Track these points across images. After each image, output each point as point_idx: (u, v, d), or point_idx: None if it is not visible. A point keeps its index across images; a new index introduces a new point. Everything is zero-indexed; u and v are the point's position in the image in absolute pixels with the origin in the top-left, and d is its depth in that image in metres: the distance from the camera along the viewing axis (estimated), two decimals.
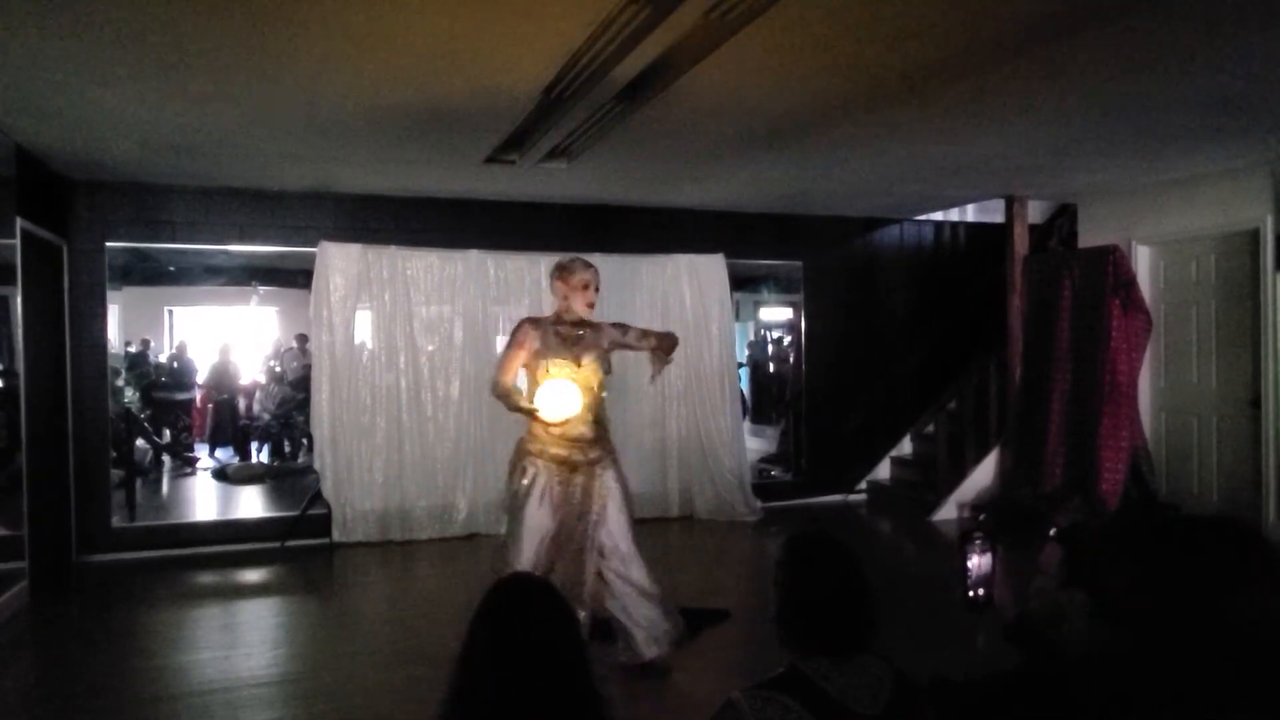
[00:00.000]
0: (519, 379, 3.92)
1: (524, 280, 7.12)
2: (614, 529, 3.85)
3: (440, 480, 6.84)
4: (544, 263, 7.10)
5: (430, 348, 6.90)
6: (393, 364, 6.77)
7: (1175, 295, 6.80)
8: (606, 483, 3.87)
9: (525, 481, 3.80)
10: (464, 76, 4.03)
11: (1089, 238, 7.28)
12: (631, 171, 6.11)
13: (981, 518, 7.08)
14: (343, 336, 6.64)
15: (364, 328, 6.82)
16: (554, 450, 3.82)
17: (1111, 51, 3.82)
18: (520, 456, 3.87)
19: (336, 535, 6.56)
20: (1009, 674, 1.85)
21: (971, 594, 1.96)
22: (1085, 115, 4.84)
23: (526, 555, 3.71)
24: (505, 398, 3.80)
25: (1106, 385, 6.50)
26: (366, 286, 6.72)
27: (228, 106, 4.46)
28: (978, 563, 1.95)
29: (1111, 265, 6.57)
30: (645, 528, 7.06)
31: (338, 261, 6.62)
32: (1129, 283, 6.58)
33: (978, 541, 1.94)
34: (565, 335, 3.87)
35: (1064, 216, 8.03)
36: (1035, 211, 7.79)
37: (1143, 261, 6.90)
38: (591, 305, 3.90)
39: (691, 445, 7.45)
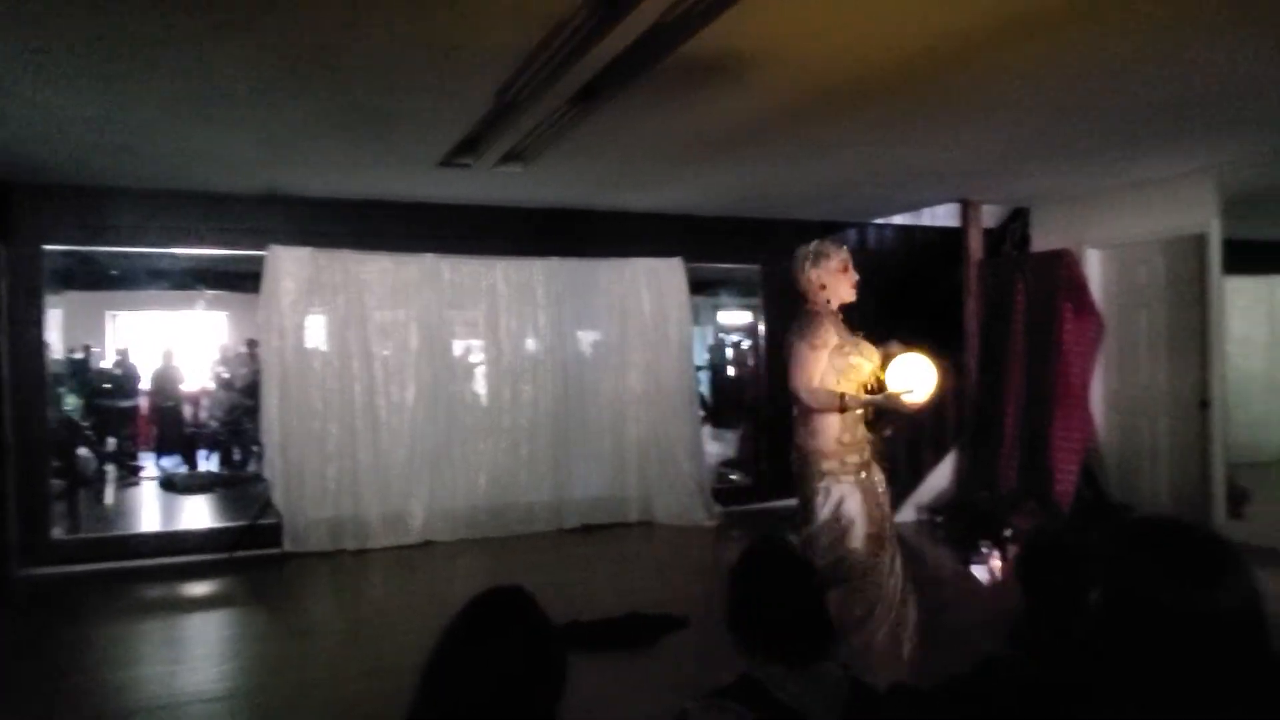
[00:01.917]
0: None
1: (480, 284, 7.04)
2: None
3: (395, 488, 6.72)
4: (500, 267, 7.05)
5: (385, 353, 6.78)
6: (346, 369, 6.64)
7: (1125, 298, 6.92)
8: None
9: (835, 508, 3.25)
10: (416, 79, 3.96)
11: (1042, 242, 7.38)
12: (588, 175, 6.06)
13: (939, 520, 7.14)
14: (294, 341, 6.50)
15: (316, 332, 6.69)
16: (851, 458, 3.30)
17: (1060, 60, 3.87)
18: (816, 479, 3.28)
19: (288, 545, 6.41)
20: (966, 677, 1.84)
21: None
22: (1036, 121, 4.89)
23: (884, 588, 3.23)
24: (833, 401, 3.24)
25: (1060, 388, 6.59)
26: (318, 290, 6.58)
27: (174, 109, 4.34)
28: (984, 572, 1.94)
29: (1063, 269, 6.67)
30: (604, 533, 7.09)
31: (288, 265, 6.47)
32: (1080, 286, 6.68)
33: (984, 551, 1.93)
34: (842, 325, 3.38)
35: (1018, 221, 8.14)
36: (990, 216, 7.88)
37: (1094, 265, 7.01)
38: (856, 285, 3.42)
39: (650, 450, 7.41)
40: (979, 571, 1.72)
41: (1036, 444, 6.70)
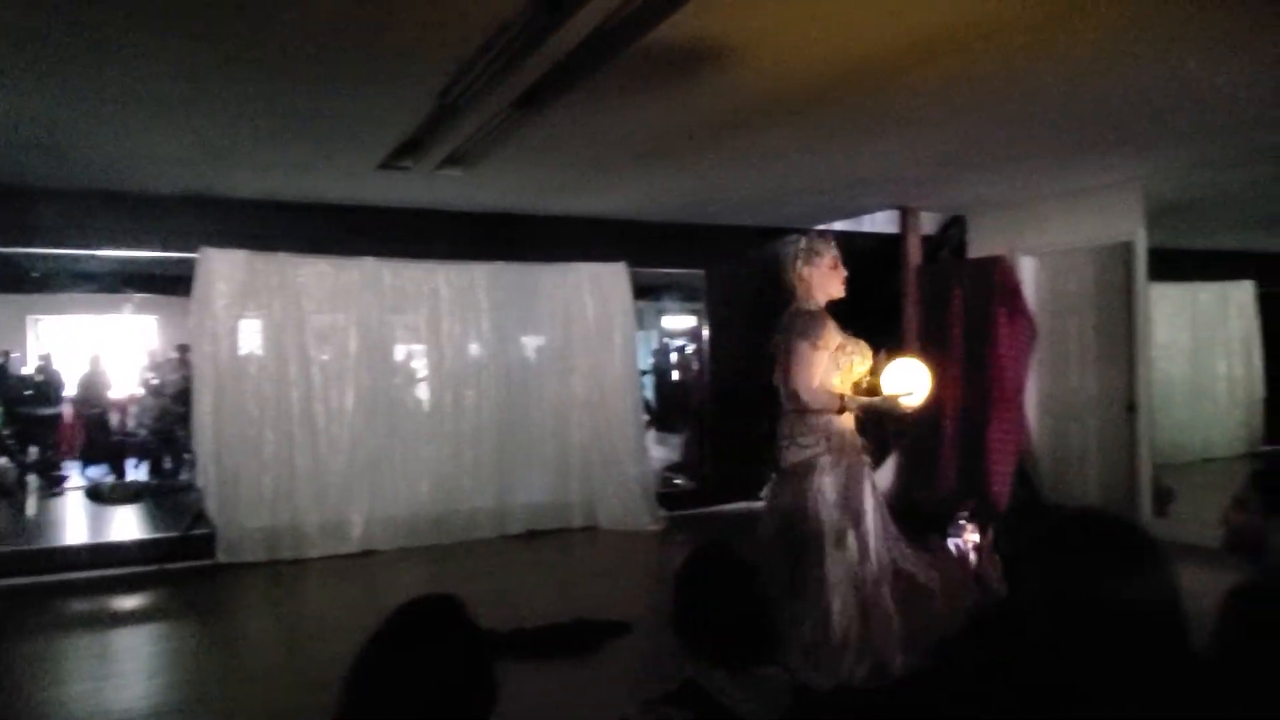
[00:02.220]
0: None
1: (421, 289, 6.94)
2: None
3: (333, 495, 6.58)
4: (442, 271, 6.96)
5: (323, 358, 6.64)
6: (282, 375, 6.48)
7: (1057, 304, 7.12)
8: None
9: (813, 487, 3.26)
10: (355, 81, 3.89)
11: (978, 249, 7.56)
12: (531, 179, 6.02)
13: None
14: (227, 346, 6.33)
15: (251, 337, 6.51)
16: (853, 440, 3.35)
17: (995, 72, 3.96)
18: (804, 469, 3.30)
19: (221, 556, 6.22)
20: (906, 680, 1.86)
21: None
22: (972, 131, 5.01)
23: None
24: (833, 402, 3.27)
25: (995, 391, 6.75)
26: (253, 294, 6.41)
27: (100, 107, 4.19)
28: (959, 546, 1.92)
29: (998, 275, 6.83)
30: (548, 539, 7.04)
31: (222, 268, 6.30)
32: (1015, 292, 6.86)
33: (962, 524, 1.92)
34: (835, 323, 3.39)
35: (955, 228, 8.32)
36: (928, 223, 8.04)
37: (1028, 272, 7.20)
38: (845, 282, 3.46)
39: (595, 454, 7.39)
40: (953, 544, 1.73)
41: (974, 446, 6.85)
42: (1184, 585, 1.27)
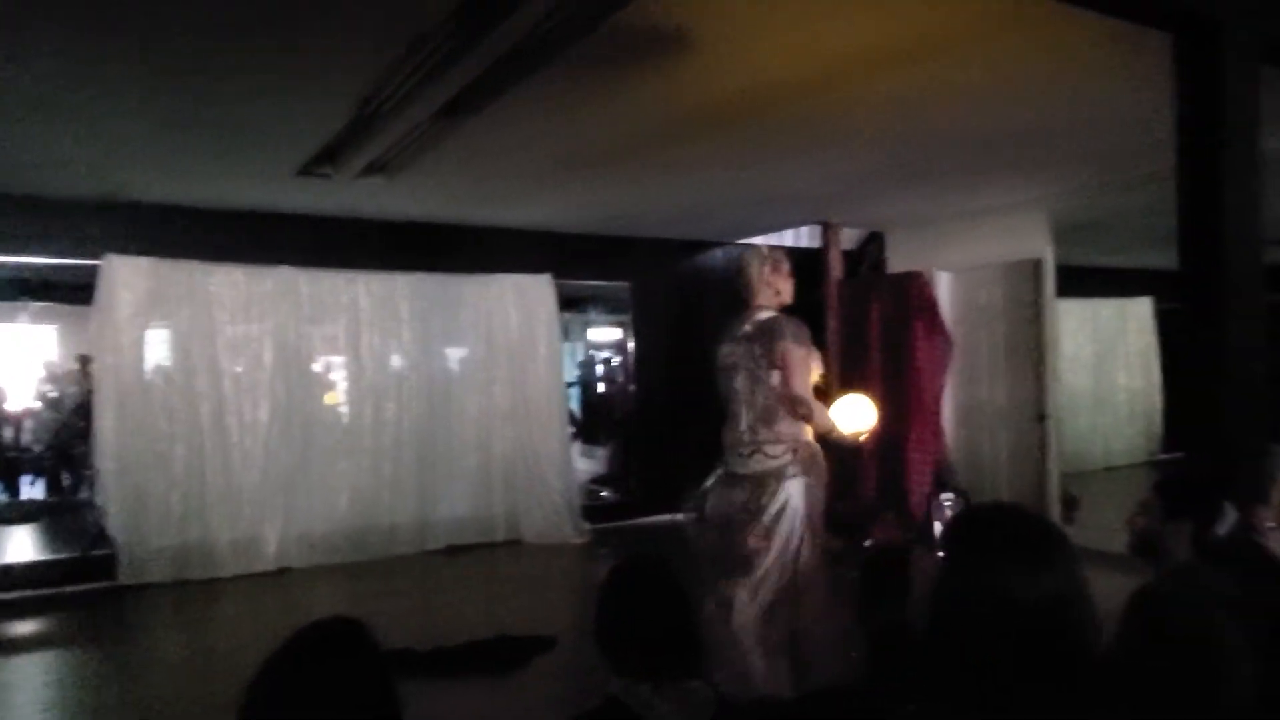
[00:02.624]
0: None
1: (340, 299, 6.77)
2: None
3: (246, 512, 6.34)
4: (361, 281, 6.81)
5: (236, 369, 6.41)
6: (192, 387, 6.23)
7: (971, 319, 7.36)
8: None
9: (784, 502, 3.29)
10: (274, 87, 3.79)
11: (896, 264, 7.77)
12: (455, 189, 5.95)
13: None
14: (132, 358, 6.05)
15: (158, 348, 6.24)
16: (819, 454, 3.45)
17: (911, 94, 4.09)
18: (779, 477, 3.31)
19: (124, 577, 5.93)
20: (829, 691, 1.87)
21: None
22: (890, 150, 5.15)
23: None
24: (825, 418, 3.37)
25: (913, 403, 6.92)
26: (161, 304, 6.16)
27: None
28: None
29: (915, 290, 7.03)
30: (471, 553, 6.93)
31: (127, 276, 6.03)
32: (931, 307, 7.06)
33: (946, 504, 1.94)
34: None
35: (874, 243, 8.53)
36: (848, 238, 8.23)
37: (943, 287, 7.43)
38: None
39: (519, 467, 7.31)
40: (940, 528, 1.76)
41: (893, 456, 7.01)
42: (1090, 588, 1.30)
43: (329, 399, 6.85)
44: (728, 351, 3.47)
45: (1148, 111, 4.16)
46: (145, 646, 5.17)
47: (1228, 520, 2.27)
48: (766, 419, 3.32)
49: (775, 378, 3.32)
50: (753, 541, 3.25)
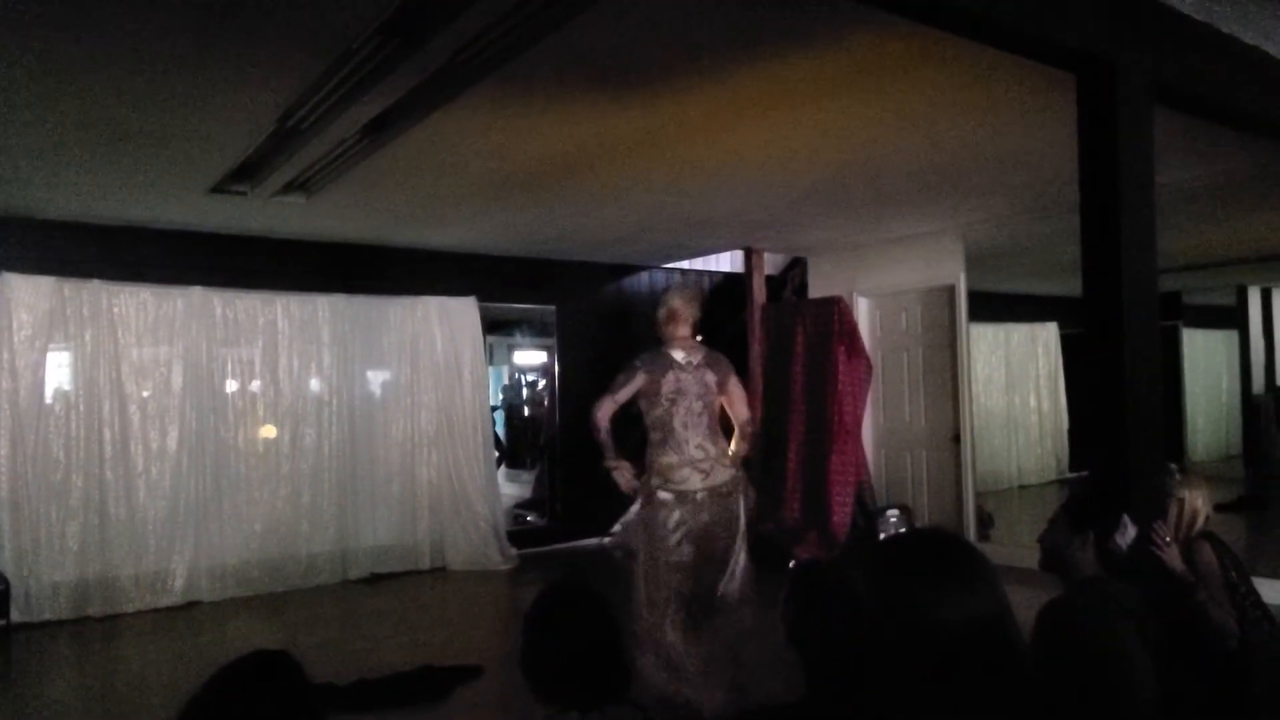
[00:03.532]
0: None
1: (258, 321, 6.57)
2: None
3: (153, 544, 6.06)
4: (280, 302, 6.63)
5: (143, 394, 6.15)
6: (94, 413, 5.94)
7: (890, 342, 7.57)
8: None
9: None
10: (187, 98, 3.66)
11: (818, 289, 7.94)
12: (378, 210, 5.85)
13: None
14: (29, 382, 5.74)
15: (57, 372, 5.94)
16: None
17: (828, 125, 4.20)
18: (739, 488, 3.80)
19: (16, 615, 5.58)
20: (768, 710, 1.87)
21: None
22: (809, 180, 5.28)
23: None
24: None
25: (835, 425, 7.06)
26: (61, 325, 5.87)
27: None
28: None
29: (837, 315, 7.19)
30: (395, 582, 6.76)
31: (24, 296, 5.73)
32: (851, 331, 7.23)
33: (892, 520, 1.95)
34: None
35: (797, 268, 8.71)
36: (771, 264, 8.38)
37: (863, 311, 7.63)
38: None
39: (443, 493, 7.18)
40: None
41: (815, 478, 7.13)
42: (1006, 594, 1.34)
43: (254, 427, 6.61)
44: (673, 379, 3.68)
45: (1054, 146, 4.38)
46: (39, 688, 4.87)
47: (1127, 533, 2.37)
48: (713, 440, 3.71)
49: (718, 405, 3.74)
50: (731, 546, 3.64)
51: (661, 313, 3.85)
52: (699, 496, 3.62)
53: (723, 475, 3.68)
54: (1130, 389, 2.81)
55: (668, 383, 3.67)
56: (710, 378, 3.75)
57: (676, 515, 3.61)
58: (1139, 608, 2.11)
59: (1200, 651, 2.52)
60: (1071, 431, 9.99)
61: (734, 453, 3.81)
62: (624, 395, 3.74)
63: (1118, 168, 2.86)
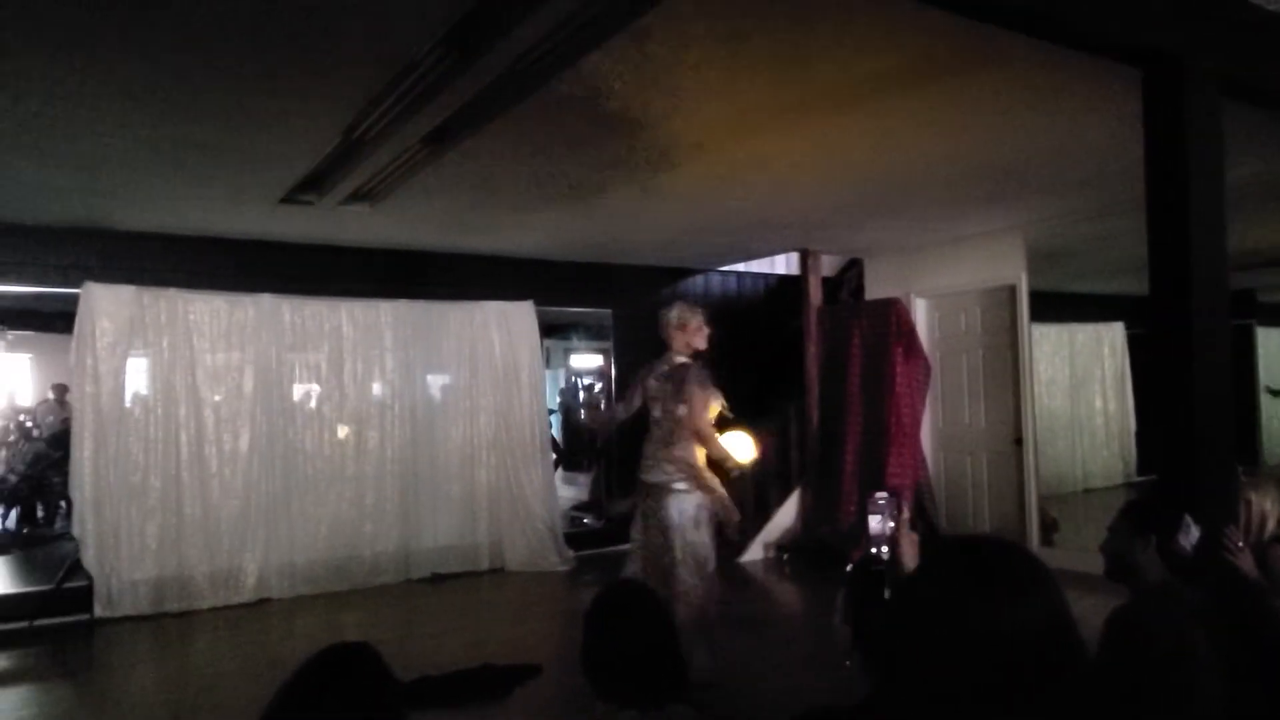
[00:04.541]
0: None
1: (323, 326, 6.76)
2: None
3: (226, 543, 6.28)
4: (345, 308, 6.81)
5: (216, 398, 6.37)
6: (171, 417, 6.18)
7: (949, 344, 7.46)
8: None
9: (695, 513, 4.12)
10: (258, 115, 3.81)
11: (875, 290, 7.86)
12: (438, 217, 5.98)
13: (785, 557, 7.35)
14: (111, 387, 5.99)
15: (137, 377, 6.19)
16: (709, 475, 4.19)
17: (891, 125, 4.17)
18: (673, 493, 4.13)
19: (99, 610, 5.84)
20: (825, 711, 1.87)
21: (875, 551, 1.94)
22: (870, 180, 5.24)
23: None
24: (719, 446, 4.17)
25: (892, 427, 6.98)
26: (141, 332, 6.12)
27: None
28: (880, 525, 1.95)
29: (894, 316, 7.11)
30: (455, 582, 6.88)
31: (106, 304, 5.99)
32: (909, 332, 7.15)
33: (881, 502, 1.95)
34: None
35: (853, 270, 8.64)
36: (828, 265, 8.33)
37: (921, 312, 7.53)
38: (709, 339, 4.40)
39: (502, 495, 7.29)
40: (874, 523, 1.74)
41: (873, 480, 7.05)
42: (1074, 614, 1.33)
43: (321, 430, 6.80)
44: (654, 385, 4.27)
45: (1121, 142, 4.29)
46: (121, 680, 5.09)
47: (1190, 534, 2.31)
48: (668, 442, 4.14)
49: (680, 411, 4.11)
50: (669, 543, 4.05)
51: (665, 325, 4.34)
52: (645, 489, 4.20)
53: (659, 476, 4.12)
54: (1198, 389, 2.75)
55: (651, 388, 4.28)
56: (670, 387, 4.18)
57: (640, 504, 4.27)
58: (1208, 612, 2.06)
59: (1272, 657, 2.44)
60: (1139, 434, 9.70)
61: (689, 461, 4.08)
62: (628, 407, 4.42)
63: (1186, 164, 2.80)
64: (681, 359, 4.23)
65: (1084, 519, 8.25)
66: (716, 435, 4.14)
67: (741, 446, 4.33)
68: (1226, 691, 1.42)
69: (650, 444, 4.23)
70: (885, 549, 1.96)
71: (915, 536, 1.94)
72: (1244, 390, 7.83)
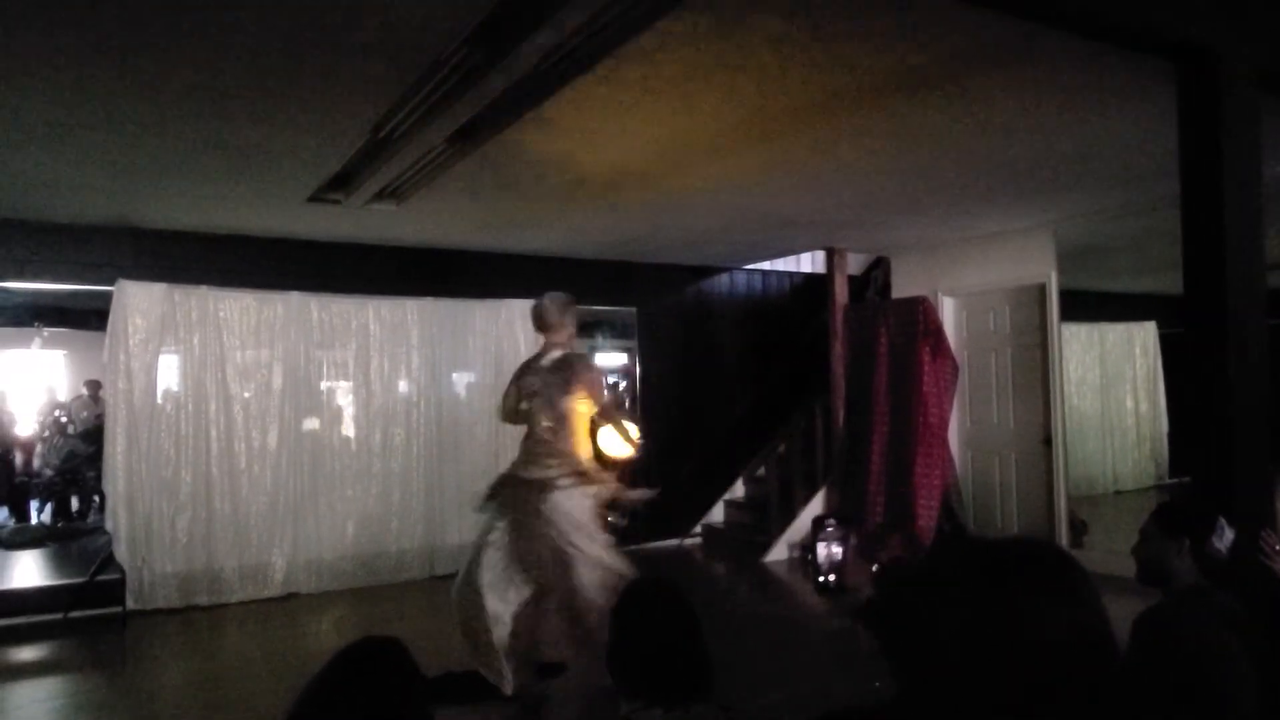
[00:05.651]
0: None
1: (350, 324, 6.82)
2: None
3: (255, 537, 6.36)
4: (373, 306, 6.87)
5: (245, 395, 6.45)
6: (201, 413, 6.27)
7: (977, 343, 7.38)
8: None
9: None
10: (286, 114, 3.84)
11: (901, 289, 7.80)
12: (464, 215, 6.01)
13: (810, 556, 7.31)
14: (143, 383, 6.09)
15: (168, 374, 6.29)
16: (594, 470, 4.21)
17: (919, 123, 4.13)
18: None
19: (131, 603, 5.94)
20: (854, 711, 1.86)
21: (822, 579, 1.95)
22: (896, 178, 5.20)
23: None
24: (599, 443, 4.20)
25: (920, 427, 6.92)
26: (172, 329, 6.21)
27: (5, 133, 4.02)
28: (827, 551, 1.95)
29: (921, 315, 7.05)
30: None
31: (138, 302, 6.09)
32: (937, 331, 7.08)
33: (829, 529, 1.95)
34: None
35: (879, 268, 8.57)
36: (854, 264, 8.27)
37: (948, 311, 7.46)
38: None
39: None
40: (821, 549, 1.72)
41: (900, 481, 7.00)
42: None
43: (348, 426, 6.87)
44: (534, 381, 4.15)
45: (1152, 138, 4.22)
46: (152, 672, 5.17)
47: (1225, 536, 2.27)
48: (551, 437, 4.05)
49: (568, 403, 4.00)
50: (538, 539, 3.94)
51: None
52: (524, 485, 4.08)
53: (541, 472, 4.03)
54: (1235, 390, 2.69)
55: (528, 383, 4.18)
56: (555, 380, 4.09)
57: (503, 499, 4.17)
58: (1243, 616, 2.03)
59: None
60: (1171, 435, 9.54)
61: (562, 451, 4.01)
62: (507, 410, 4.36)
63: (1221, 160, 2.75)
64: (563, 351, 4.18)
65: (1114, 521, 8.13)
66: (607, 425, 4.16)
67: (615, 443, 4.29)
68: (1260, 696, 1.40)
69: (529, 440, 4.16)
70: (834, 576, 1.96)
71: (866, 564, 1.93)
72: None
